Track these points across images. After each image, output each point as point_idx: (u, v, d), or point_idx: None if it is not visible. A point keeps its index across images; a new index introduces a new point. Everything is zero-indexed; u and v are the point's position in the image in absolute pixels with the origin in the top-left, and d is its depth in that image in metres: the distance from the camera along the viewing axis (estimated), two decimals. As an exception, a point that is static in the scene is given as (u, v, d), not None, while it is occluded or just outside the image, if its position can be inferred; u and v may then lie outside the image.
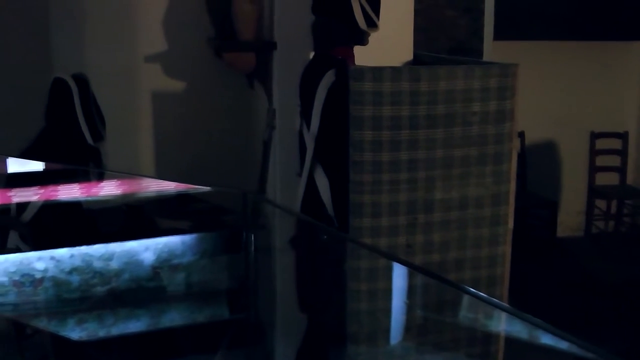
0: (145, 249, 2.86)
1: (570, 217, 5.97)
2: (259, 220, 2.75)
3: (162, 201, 3.67)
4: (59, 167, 3.20)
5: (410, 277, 2.46)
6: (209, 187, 3.62)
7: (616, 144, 5.94)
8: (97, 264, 2.79)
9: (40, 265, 2.75)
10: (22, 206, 3.10)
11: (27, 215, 3.08)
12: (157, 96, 3.98)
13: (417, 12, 3.56)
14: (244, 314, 2.90)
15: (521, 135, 5.51)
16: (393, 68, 2.52)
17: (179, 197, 3.73)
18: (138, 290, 2.89)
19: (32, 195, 3.13)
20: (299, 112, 2.85)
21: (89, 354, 2.97)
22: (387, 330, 2.64)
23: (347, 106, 2.44)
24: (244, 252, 2.72)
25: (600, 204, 5.95)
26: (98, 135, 3.25)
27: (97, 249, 2.80)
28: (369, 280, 2.48)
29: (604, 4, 5.66)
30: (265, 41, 3.60)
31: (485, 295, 1.98)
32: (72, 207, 3.26)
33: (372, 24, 2.84)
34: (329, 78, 2.63)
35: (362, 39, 2.86)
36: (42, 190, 3.17)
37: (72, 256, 2.78)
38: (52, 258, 2.77)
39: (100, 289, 2.81)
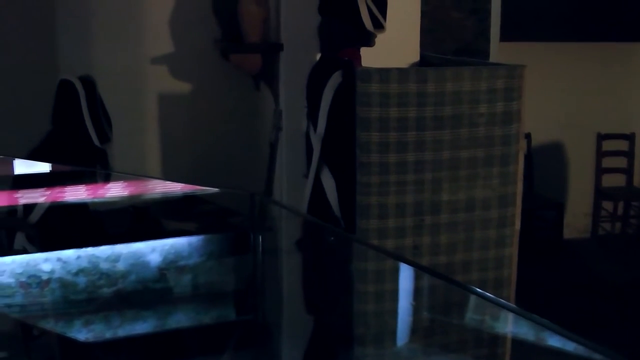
0: (152, 251, 2.86)
1: (576, 219, 5.96)
2: (265, 221, 2.75)
3: (168, 203, 3.67)
4: (66, 169, 3.21)
5: (417, 278, 2.45)
6: (215, 189, 3.61)
7: (623, 145, 5.93)
8: (104, 266, 2.79)
9: (47, 267, 2.75)
10: (29, 208, 3.10)
11: (34, 217, 3.08)
12: (163, 97, 3.98)
13: (424, 14, 3.56)
14: (251, 315, 2.89)
15: (528, 136, 5.50)
16: (400, 69, 2.52)
17: (186, 198, 3.72)
18: (145, 291, 2.89)
19: (39, 196, 3.14)
20: (305, 114, 2.84)
21: (96, 356, 2.97)
22: (394, 331, 2.64)
23: (354, 107, 2.44)
24: (250, 254, 2.71)
25: (607, 205, 5.93)
26: (105, 137, 3.26)
27: (103, 251, 2.80)
28: (376, 281, 2.48)
29: (611, 5, 5.66)
30: (272, 43, 3.60)
31: (492, 295, 1.97)
32: (78, 208, 3.26)
33: (379, 26, 2.83)
34: (335, 79, 2.63)
35: (369, 41, 2.86)
36: (48, 192, 3.18)
37: (78, 257, 2.78)
38: (59, 259, 2.77)
39: (106, 291, 2.81)
